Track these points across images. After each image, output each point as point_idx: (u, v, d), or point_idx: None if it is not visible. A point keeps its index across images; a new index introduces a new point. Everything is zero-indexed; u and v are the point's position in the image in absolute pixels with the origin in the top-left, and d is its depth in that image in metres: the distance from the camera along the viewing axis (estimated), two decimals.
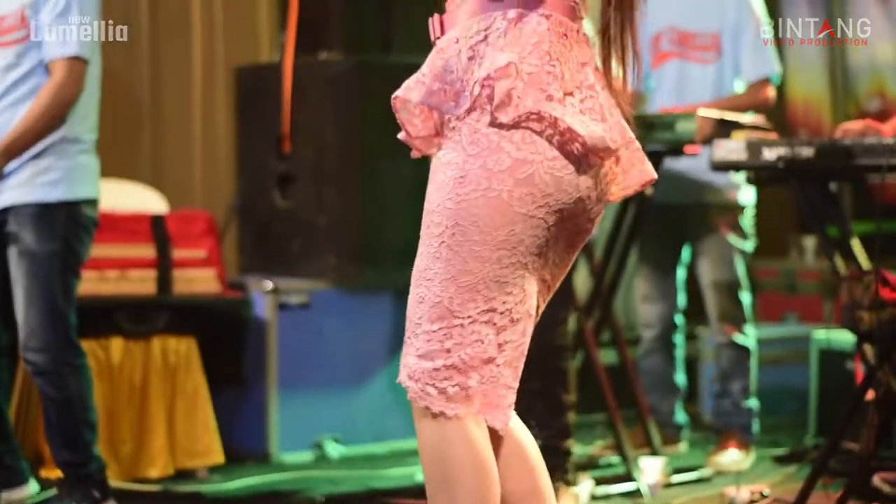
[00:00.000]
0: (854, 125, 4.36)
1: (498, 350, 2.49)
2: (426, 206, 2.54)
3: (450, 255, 2.47)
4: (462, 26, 2.55)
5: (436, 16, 2.63)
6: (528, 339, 2.56)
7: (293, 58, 5.94)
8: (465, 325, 2.47)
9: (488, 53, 2.48)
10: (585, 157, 2.48)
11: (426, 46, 5.76)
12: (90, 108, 4.44)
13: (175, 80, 6.56)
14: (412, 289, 2.53)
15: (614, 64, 2.59)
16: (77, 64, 4.31)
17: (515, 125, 2.45)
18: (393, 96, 2.61)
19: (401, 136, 2.68)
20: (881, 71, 7.47)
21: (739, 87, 5.56)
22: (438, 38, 2.61)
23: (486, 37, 2.50)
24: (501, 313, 2.48)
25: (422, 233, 2.54)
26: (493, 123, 2.45)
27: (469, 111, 2.49)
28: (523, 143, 2.44)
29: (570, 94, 2.48)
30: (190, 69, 6.57)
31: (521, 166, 2.44)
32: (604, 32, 2.59)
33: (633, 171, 2.60)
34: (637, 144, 2.60)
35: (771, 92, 5.55)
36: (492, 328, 2.48)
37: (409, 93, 2.58)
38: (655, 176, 2.61)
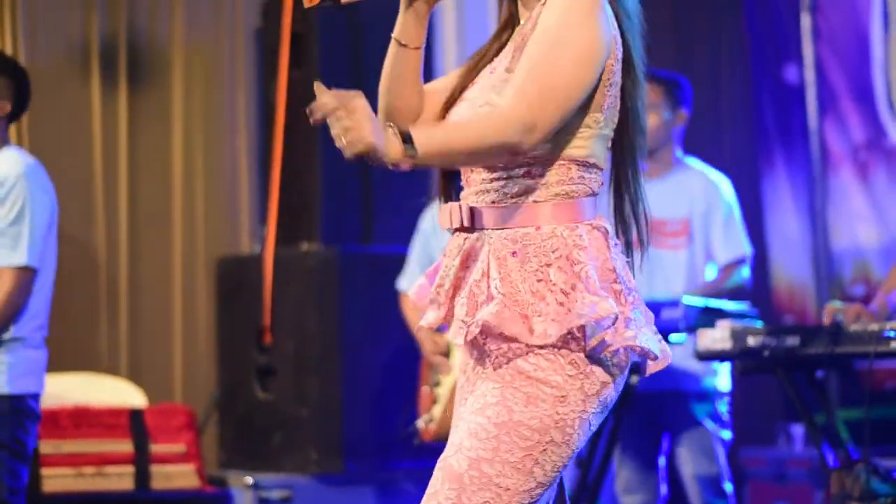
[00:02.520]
0: (841, 309, 4.32)
1: None
2: (502, 415, 2.53)
3: (535, 469, 2.53)
4: (514, 237, 2.56)
5: (459, 204, 2.62)
6: None
7: (274, 249, 5.94)
8: None
9: (562, 282, 2.50)
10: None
11: (406, 238, 5.74)
12: (39, 309, 4.40)
13: (155, 271, 6.54)
14: (472, 491, 2.51)
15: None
16: (26, 273, 4.30)
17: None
18: (477, 322, 2.55)
19: (422, 324, 2.70)
20: (865, 256, 7.46)
21: (711, 271, 5.55)
22: (466, 227, 2.61)
23: (556, 259, 2.53)
24: None
25: (488, 437, 2.53)
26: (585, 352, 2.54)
27: (558, 347, 2.52)
28: (608, 366, 2.57)
29: (636, 306, 2.59)
30: (170, 260, 6.56)
31: (605, 389, 2.58)
32: (617, 189, 2.69)
33: None
34: None
35: (745, 274, 5.54)
36: None
37: (486, 318, 2.53)
38: (671, 356, 2.69)
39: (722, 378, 5.45)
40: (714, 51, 7.52)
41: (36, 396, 4.38)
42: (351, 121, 2.39)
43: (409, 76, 2.72)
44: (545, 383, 2.52)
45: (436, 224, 5.09)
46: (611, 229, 2.63)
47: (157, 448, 5.41)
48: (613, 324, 2.52)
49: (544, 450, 2.52)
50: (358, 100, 2.39)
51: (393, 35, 2.71)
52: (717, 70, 7.44)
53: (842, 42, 7.39)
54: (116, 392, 5.68)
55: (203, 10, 6.68)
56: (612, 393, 2.59)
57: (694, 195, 5.53)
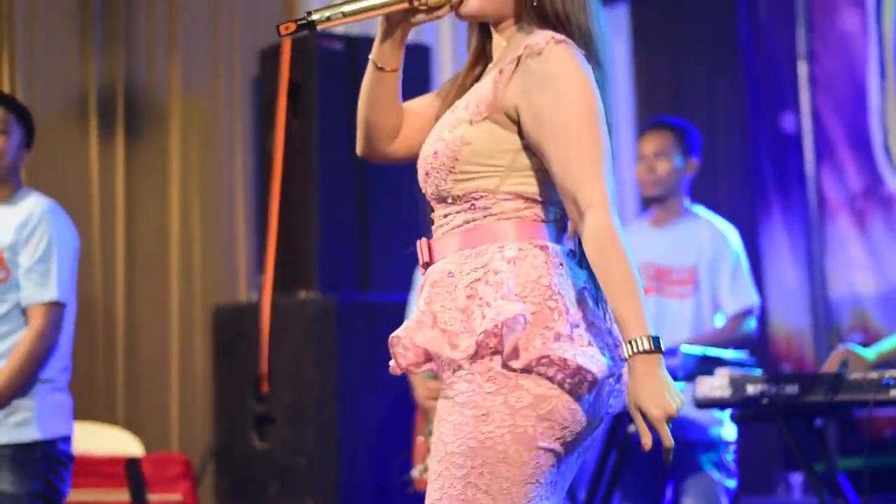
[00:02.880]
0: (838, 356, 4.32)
1: None
2: (439, 450, 2.54)
3: (478, 495, 2.49)
4: (455, 260, 2.59)
5: (424, 240, 2.67)
6: None
7: (271, 297, 5.93)
8: None
9: (489, 296, 2.51)
10: (595, 385, 2.53)
11: (404, 286, 5.75)
12: (66, 348, 4.41)
13: (151, 319, 6.53)
14: None
15: None
16: (56, 308, 4.31)
17: (528, 370, 2.49)
18: (392, 336, 2.63)
19: (392, 366, 2.70)
20: (862, 304, 7.45)
21: (719, 321, 5.53)
22: (427, 263, 2.64)
23: (484, 274, 2.54)
24: None
25: (436, 477, 2.53)
26: (506, 367, 2.50)
27: (475, 357, 2.51)
28: (540, 380, 2.49)
29: (577, 325, 2.52)
30: (167, 308, 6.55)
31: (542, 402, 2.49)
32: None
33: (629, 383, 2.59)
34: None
35: (752, 325, 5.51)
36: None
37: (412, 333, 2.59)
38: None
39: (727, 427, 5.43)
40: (711, 98, 7.53)
41: (67, 439, 4.37)
42: None
43: (386, 98, 2.76)
44: (465, 405, 2.51)
45: None
46: (563, 252, 2.61)
47: (154, 497, 5.38)
48: (524, 327, 2.48)
49: (480, 473, 2.48)
50: None
51: (370, 57, 2.74)
52: (713, 118, 7.45)
53: (838, 90, 7.41)
54: (113, 441, 5.65)
55: (200, 59, 6.70)
56: (561, 408, 2.50)
57: (701, 244, 5.50)
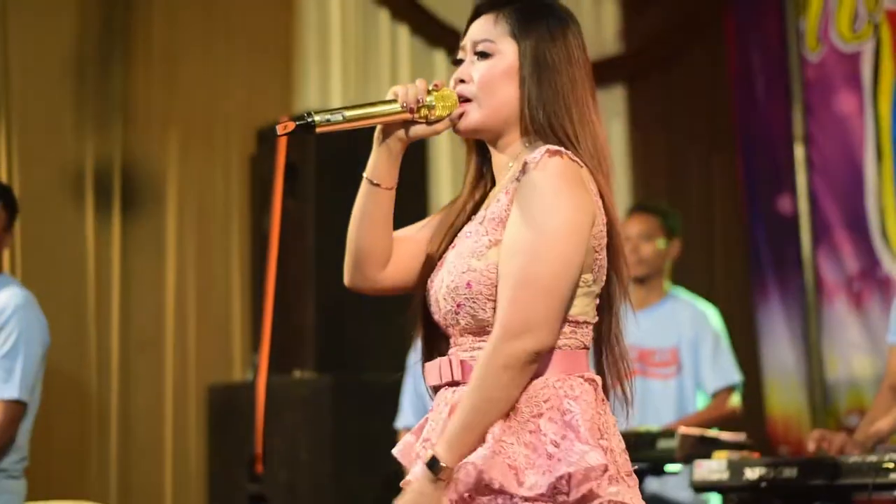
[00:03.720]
0: (833, 436, 4.30)
1: None
2: None
3: None
4: None
5: (454, 357, 2.60)
6: None
7: (266, 377, 5.89)
8: None
9: (556, 434, 2.48)
10: None
11: (399, 366, 5.71)
12: (22, 442, 4.41)
13: (146, 398, 6.49)
14: None
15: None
16: (15, 407, 4.32)
17: None
18: (465, 462, 2.51)
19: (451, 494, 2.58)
20: (860, 386, 7.43)
21: (701, 399, 5.54)
22: (456, 382, 2.59)
23: (548, 410, 2.50)
24: None
25: None
26: None
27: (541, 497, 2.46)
28: None
29: (620, 463, 2.54)
30: (161, 387, 6.52)
31: None
32: (598, 343, 2.66)
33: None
34: None
35: (736, 401, 5.53)
36: None
37: (486, 464, 2.48)
38: None
39: None
40: (707, 180, 7.55)
41: None
42: None
43: (380, 217, 2.70)
44: None
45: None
46: (599, 384, 2.60)
47: None
48: (603, 474, 2.46)
49: None
50: None
51: (365, 174, 2.69)
52: (710, 200, 7.47)
53: (835, 172, 7.42)
54: None
55: (197, 138, 6.71)
56: None
57: (682, 324, 5.56)
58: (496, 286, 2.52)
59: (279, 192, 5.99)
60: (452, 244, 2.67)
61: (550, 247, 2.47)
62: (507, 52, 2.64)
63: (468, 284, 2.55)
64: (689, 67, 7.58)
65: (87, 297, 6.40)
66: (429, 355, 2.70)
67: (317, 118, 2.60)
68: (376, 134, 2.68)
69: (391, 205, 2.70)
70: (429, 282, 2.68)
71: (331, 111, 2.62)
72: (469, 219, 2.71)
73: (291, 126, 2.59)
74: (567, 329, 2.55)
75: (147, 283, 6.58)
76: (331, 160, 5.96)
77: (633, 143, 7.52)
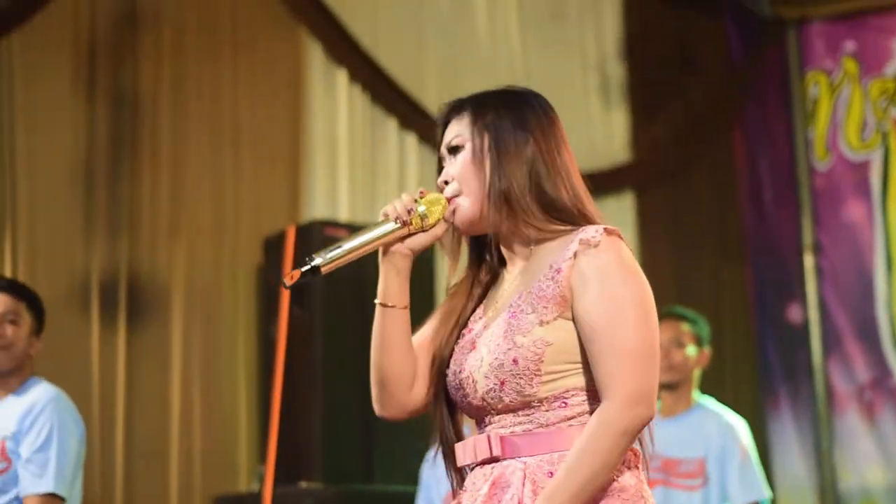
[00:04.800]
0: None
1: None
2: None
3: None
4: (558, 461, 2.52)
5: (485, 435, 2.59)
6: None
7: (273, 487, 5.84)
8: None
9: None
10: None
11: (408, 476, 5.65)
12: None
13: None
14: None
15: None
16: (53, 502, 4.20)
17: None
18: None
19: None
20: (872, 497, 7.37)
21: None
22: (496, 458, 2.57)
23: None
24: None
25: None
26: None
27: None
28: None
29: None
30: (166, 498, 6.46)
31: None
32: None
33: None
34: None
35: None
36: None
37: None
38: None
39: None
40: (717, 289, 7.54)
41: None
42: None
43: (398, 338, 2.69)
44: None
45: (438, 475, 5.01)
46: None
47: None
48: None
49: None
50: None
51: (377, 301, 2.69)
52: (719, 309, 7.45)
53: (845, 281, 7.41)
54: None
55: (204, 246, 6.70)
56: None
57: (710, 436, 5.48)
58: (543, 362, 2.52)
59: (286, 301, 5.98)
60: (468, 328, 2.68)
61: (650, 319, 2.52)
62: (472, 135, 2.69)
63: (514, 361, 2.53)
64: (698, 177, 7.60)
65: (91, 407, 6.35)
66: (455, 438, 2.68)
67: (318, 260, 2.63)
68: (380, 257, 2.69)
69: (408, 324, 2.70)
70: (454, 368, 2.65)
71: (329, 248, 2.65)
72: (478, 304, 2.72)
73: (297, 275, 2.62)
74: None
75: (152, 393, 6.54)
76: (338, 269, 5.94)
77: (641, 252, 7.50)
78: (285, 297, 5.97)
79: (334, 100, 7.07)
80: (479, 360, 2.59)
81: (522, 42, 7.28)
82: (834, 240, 7.46)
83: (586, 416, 2.53)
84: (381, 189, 7.02)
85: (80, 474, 4.37)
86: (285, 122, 6.99)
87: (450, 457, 2.70)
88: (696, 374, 5.59)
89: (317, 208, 6.88)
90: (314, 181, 6.99)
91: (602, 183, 7.45)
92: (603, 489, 2.49)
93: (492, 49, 7.33)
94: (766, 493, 5.49)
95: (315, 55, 7.05)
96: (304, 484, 5.95)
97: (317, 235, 6.02)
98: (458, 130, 2.71)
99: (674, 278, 7.49)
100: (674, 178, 7.58)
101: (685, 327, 5.56)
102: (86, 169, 6.49)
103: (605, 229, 2.55)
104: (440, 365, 2.68)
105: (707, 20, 7.68)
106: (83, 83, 6.54)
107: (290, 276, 2.62)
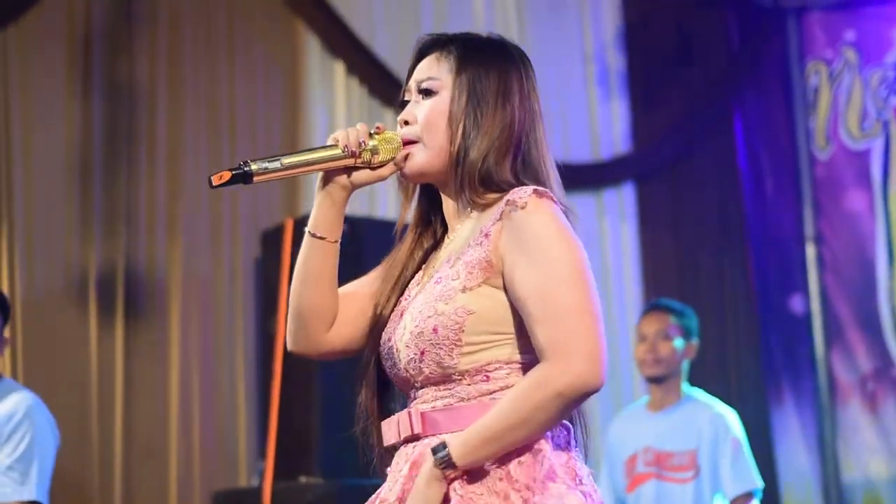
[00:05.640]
0: None
1: None
2: None
3: None
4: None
5: (406, 412, 2.48)
6: None
7: (272, 482, 5.83)
8: None
9: (527, 479, 2.36)
10: None
11: None
12: None
13: None
14: None
15: None
16: None
17: None
18: None
19: None
20: (876, 488, 7.36)
21: (720, 502, 5.45)
22: (416, 437, 2.46)
23: (517, 455, 2.38)
24: None
25: None
26: None
27: None
28: None
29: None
30: (166, 494, 6.46)
31: None
32: None
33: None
34: None
35: None
36: None
37: None
38: None
39: None
40: (718, 281, 7.51)
41: None
42: None
43: (324, 273, 2.59)
44: None
45: None
46: (572, 432, 2.48)
47: None
48: None
49: None
50: None
51: (307, 228, 2.59)
52: (721, 300, 7.42)
53: (847, 272, 7.39)
54: None
55: (201, 241, 6.67)
56: None
57: (700, 428, 5.48)
58: (464, 331, 2.40)
59: (284, 294, 5.95)
60: (405, 295, 2.57)
61: (587, 279, 2.37)
62: (452, 88, 2.55)
63: (434, 329, 2.42)
64: (699, 167, 7.57)
65: (90, 403, 6.34)
66: (381, 415, 2.58)
67: (253, 166, 2.49)
68: (318, 183, 2.58)
69: (336, 259, 2.60)
70: (384, 337, 2.54)
71: (268, 159, 2.52)
72: (419, 268, 2.61)
73: (227, 176, 2.48)
74: None
75: (151, 389, 6.53)
76: (339, 263, 5.91)
77: (643, 243, 7.48)
78: (283, 290, 5.94)
79: (332, 92, 7.04)
80: (403, 329, 2.48)
81: (521, 33, 7.24)
82: (835, 229, 7.43)
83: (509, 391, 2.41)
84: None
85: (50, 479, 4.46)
86: (283, 115, 6.97)
87: (374, 433, 2.60)
88: (685, 366, 5.58)
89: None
90: (312, 175, 6.95)
91: (603, 173, 7.43)
92: (522, 447, 2.37)
93: None
94: (759, 482, 5.49)
95: (312, 47, 7.02)
96: (303, 479, 5.93)
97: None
98: (437, 73, 2.56)
99: (675, 268, 7.47)
100: (674, 168, 7.56)
101: (672, 319, 5.55)
102: (82, 163, 6.47)
103: (534, 190, 2.42)
104: (377, 328, 2.57)
105: (707, 9, 7.64)
106: (79, 77, 6.52)
107: (220, 176, 2.48)
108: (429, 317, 2.43)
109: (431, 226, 2.64)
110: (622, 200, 7.49)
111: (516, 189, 2.44)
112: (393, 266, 2.62)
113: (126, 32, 6.63)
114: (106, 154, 6.53)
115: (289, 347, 2.66)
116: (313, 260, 2.58)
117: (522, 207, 2.40)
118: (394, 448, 2.55)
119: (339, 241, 2.59)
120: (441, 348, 2.42)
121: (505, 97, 2.53)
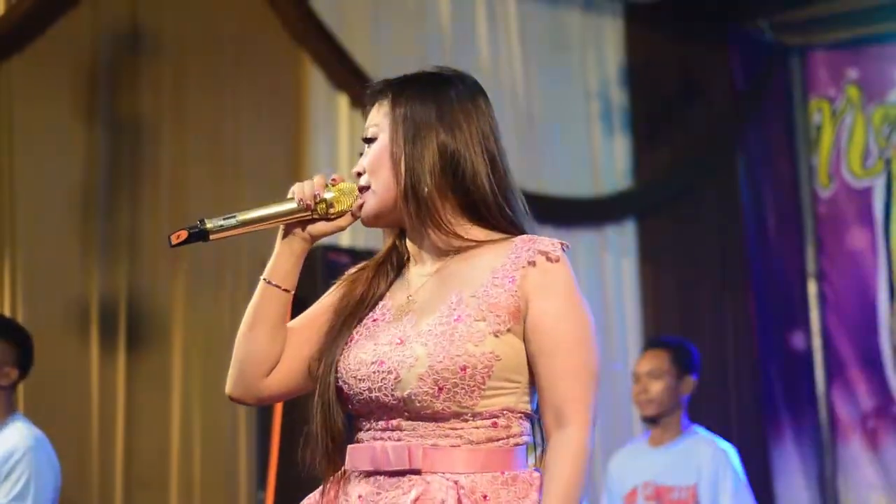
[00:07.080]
0: None
1: None
2: None
3: None
4: (487, 482, 2.44)
5: (411, 445, 2.46)
6: None
7: None
8: None
9: None
10: None
11: None
12: None
13: None
14: None
15: None
16: None
17: None
18: None
19: None
20: None
21: None
22: (416, 470, 2.44)
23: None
24: None
25: None
26: None
27: None
28: None
29: None
30: None
31: None
32: None
33: None
34: None
35: None
36: None
37: None
38: None
39: None
40: (719, 317, 7.52)
41: None
42: None
43: (271, 319, 2.59)
44: None
45: None
46: None
47: None
48: None
49: None
50: None
51: (263, 276, 2.60)
52: (722, 336, 7.43)
53: (848, 309, 7.41)
54: None
55: (204, 273, 6.67)
56: None
57: (701, 463, 5.49)
58: (490, 376, 2.42)
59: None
60: (364, 323, 2.56)
61: (596, 342, 2.48)
62: (389, 127, 2.55)
63: (463, 368, 2.42)
64: (701, 203, 7.60)
65: (90, 434, 6.33)
66: (340, 436, 2.56)
67: (209, 225, 2.54)
68: (279, 236, 2.59)
69: (287, 308, 2.60)
70: (354, 359, 2.51)
71: (224, 217, 2.56)
72: (374, 307, 2.58)
73: (184, 235, 2.53)
74: (528, 426, 2.51)
75: (152, 420, 6.52)
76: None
77: (644, 279, 7.49)
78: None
79: (336, 126, 7.06)
80: (413, 359, 2.44)
81: (524, 70, 7.27)
82: (837, 266, 7.45)
83: (512, 439, 2.46)
84: None
85: None
86: (286, 149, 6.98)
87: (329, 455, 2.59)
88: (683, 401, 5.59)
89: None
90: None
91: (604, 210, 7.45)
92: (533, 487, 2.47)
93: (494, 77, 7.31)
94: None
95: (317, 82, 7.04)
96: None
97: (318, 261, 6.00)
98: (376, 119, 2.57)
99: (676, 305, 7.48)
100: (676, 205, 7.57)
101: (667, 356, 5.56)
102: (85, 194, 6.48)
103: (561, 244, 2.48)
104: (330, 355, 2.55)
105: (710, 47, 7.67)
106: (83, 108, 6.53)
107: (177, 235, 2.52)
108: (457, 356, 2.42)
109: (394, 255, 2.64)
110: (624, 236, 7.51)
111: (540, 239, 2.49)
112: (348, 298, 2.61)
113: (131, 64, 6.65)
114: (109, 185, 6.54)
115: (227, 391, 2.65)
116: (264, 307, 2.60)
117: (556, 261, 2.46)
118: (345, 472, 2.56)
119: (293, 290, 2.60)
120: (463, 389, 2.43)
121: (443, 118, 2.53)
